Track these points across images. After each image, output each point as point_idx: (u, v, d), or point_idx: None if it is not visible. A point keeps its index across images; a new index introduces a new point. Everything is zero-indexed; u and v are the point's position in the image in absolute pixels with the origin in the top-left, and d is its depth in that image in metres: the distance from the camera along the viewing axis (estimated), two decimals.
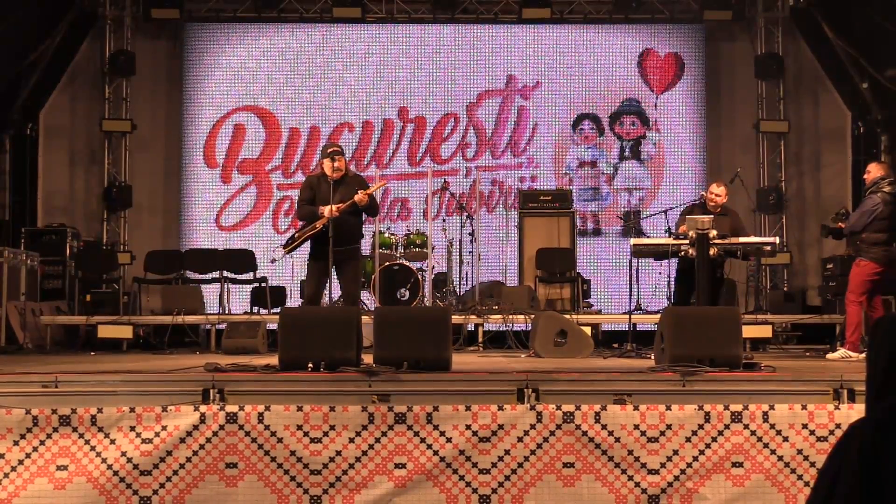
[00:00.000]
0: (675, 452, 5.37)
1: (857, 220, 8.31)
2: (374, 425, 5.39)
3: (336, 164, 7.95)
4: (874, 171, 8.47)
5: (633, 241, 8.90)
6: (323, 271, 7.99)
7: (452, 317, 7.81)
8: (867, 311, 8.31)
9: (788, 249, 13.22)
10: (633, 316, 9.24)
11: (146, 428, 5.36)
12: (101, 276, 12.31)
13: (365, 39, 13.66)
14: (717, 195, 9.01)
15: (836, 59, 13.05)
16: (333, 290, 8.17)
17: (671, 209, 9.34)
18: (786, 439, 5.37)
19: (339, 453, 5.37)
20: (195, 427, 5.35)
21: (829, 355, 8.42)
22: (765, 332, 10.43)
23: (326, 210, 7.91)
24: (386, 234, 11.46)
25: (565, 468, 5.37)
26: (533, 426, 5.38)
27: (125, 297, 11.63)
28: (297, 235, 8.20)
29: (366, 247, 11.55)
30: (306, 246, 8.19)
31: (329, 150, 8.06)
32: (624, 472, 5.36)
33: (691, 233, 8.28)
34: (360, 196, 7.95)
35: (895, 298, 10.42)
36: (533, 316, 9.74)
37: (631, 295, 9.27)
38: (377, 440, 5.38)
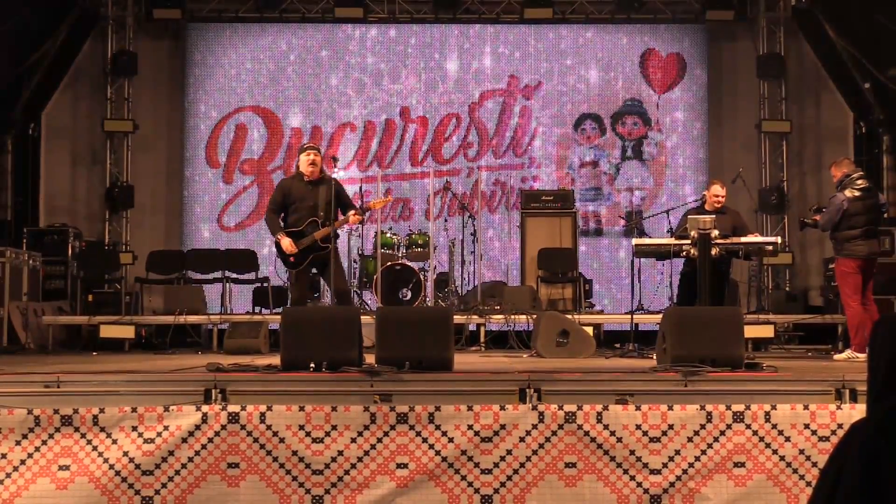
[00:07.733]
0: (677, 452, 5.37)
1: (827, 222, 8.38)
2: (376, 425, 5.39)
3: (312, 158, 7.91)
4: (835, 171, 8.57)
5: (634, 241, 8.90)
6: (305, 276, 8.13)
7: (454, 317, 7.82)
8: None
9: (790, 249, 13.20)
10: (634, 316, 9.23)
11: (148, 428, 5.36)
12: (102, 276, 12.31)
13: (367, 39, 13.66)
14: (722, 196, 9.06)
15: (838, 59, 13.04)
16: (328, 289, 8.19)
17: (673, 209, 9.36)
18: (788, 439, 5.37)
19: (341, 453, 5.37)
20: (197, 427, 5.35)
21: (837, 356, 8.43)
22: (767, 332, 10.43)
23: (286, 243, 7.82)
24: (388, 235, 11.42)
25: (567, 468, 5.37)
26: (535, 426, 5.38)
27: (127, 298, 11.62)
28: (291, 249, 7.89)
29: (367, 247, 11.58)
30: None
31: (306, 147, 8.09)
32: (626, 472, 5.36)
33: (693, 233, 8.28)
34: (355, 219, 8.01)
35: None
36: (535, 316, 9.74)
37: (633, 295, 9.27)
38: (379, 440, 5.38)
